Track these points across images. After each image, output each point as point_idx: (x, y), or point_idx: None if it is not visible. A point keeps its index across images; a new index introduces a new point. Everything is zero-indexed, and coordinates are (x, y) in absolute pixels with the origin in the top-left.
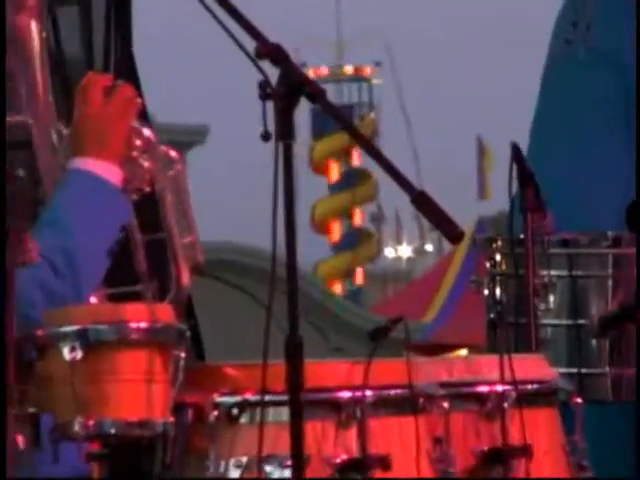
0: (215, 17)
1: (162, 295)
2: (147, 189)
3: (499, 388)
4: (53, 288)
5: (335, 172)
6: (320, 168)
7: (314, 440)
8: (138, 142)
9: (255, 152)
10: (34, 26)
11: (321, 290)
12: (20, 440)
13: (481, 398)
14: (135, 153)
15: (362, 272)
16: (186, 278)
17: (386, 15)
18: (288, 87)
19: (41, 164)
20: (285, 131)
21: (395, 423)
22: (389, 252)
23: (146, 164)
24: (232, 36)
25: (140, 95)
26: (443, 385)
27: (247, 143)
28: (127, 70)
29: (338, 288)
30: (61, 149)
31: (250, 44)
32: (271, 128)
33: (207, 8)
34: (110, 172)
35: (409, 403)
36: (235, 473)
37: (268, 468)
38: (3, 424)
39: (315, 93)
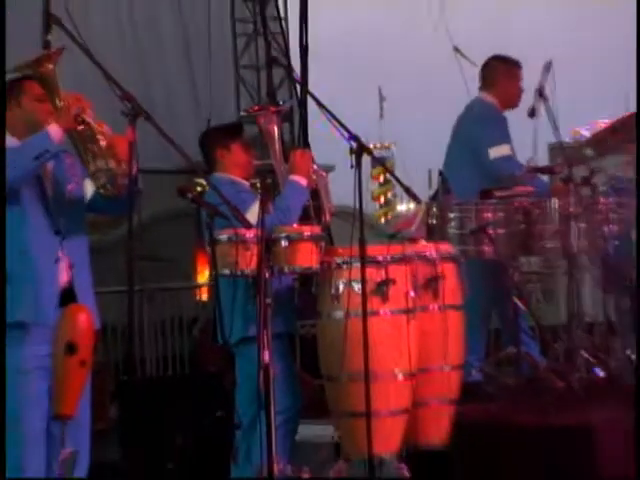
0: (328, 117)
1: (319, 224)
2: (314, 187)
3: (434, 254)
4: (281, 220)
5: (379, 180)
6: (374, 179)
7: (370, 274)
8: (311, 170)
9: (350, 174)
10: (276, 129)
11: (376, 222)
12: (266, 274)
13: (428, 258)
14: (309, 173)
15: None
16: (328, 218)
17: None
18: (359, 150)
19: (279, 179)
20: (359, 165)
21: (396, 267)
22: (398, 208)
23: (314, 177)
24: (337, 128)
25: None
26: (415, 254)
27: (347, 171)
28: (307, 144)
29: (382, 221)
30: (284, 173)
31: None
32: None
33: (321, 107)
34: (303, 181)
35: (403, 259)
36: (341, 286)
37: (353, 284)
38: (3, 425)
39: (370, 153)
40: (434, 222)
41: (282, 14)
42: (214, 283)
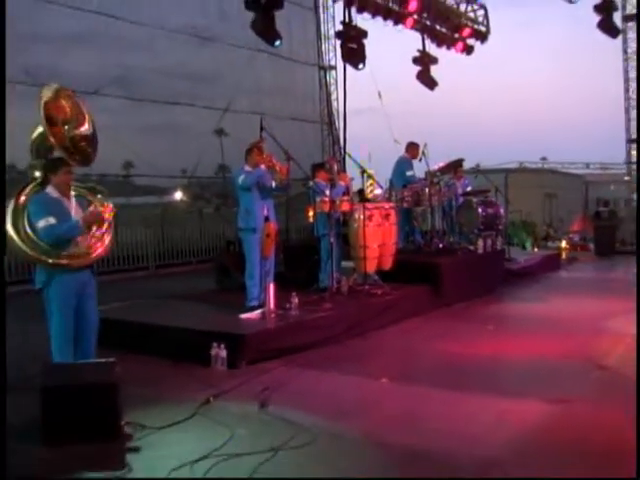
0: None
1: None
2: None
3: (387, 206)
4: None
5: (370, 181)
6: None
7: (366, 212)
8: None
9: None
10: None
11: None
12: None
13: (386, 207)
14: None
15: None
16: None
17: None
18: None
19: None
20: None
21: (375, 210)
22: (376, 191)
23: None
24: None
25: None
26: (381, 205)
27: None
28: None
29: (370, 195)
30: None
31: None
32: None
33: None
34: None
35: (376, 207)
36: (356, 215)
37: (360, 215)
38: (3, 426)
39: (368, 173)
40: (387, 196)
41: (337, 125)
42: (313, 215)
